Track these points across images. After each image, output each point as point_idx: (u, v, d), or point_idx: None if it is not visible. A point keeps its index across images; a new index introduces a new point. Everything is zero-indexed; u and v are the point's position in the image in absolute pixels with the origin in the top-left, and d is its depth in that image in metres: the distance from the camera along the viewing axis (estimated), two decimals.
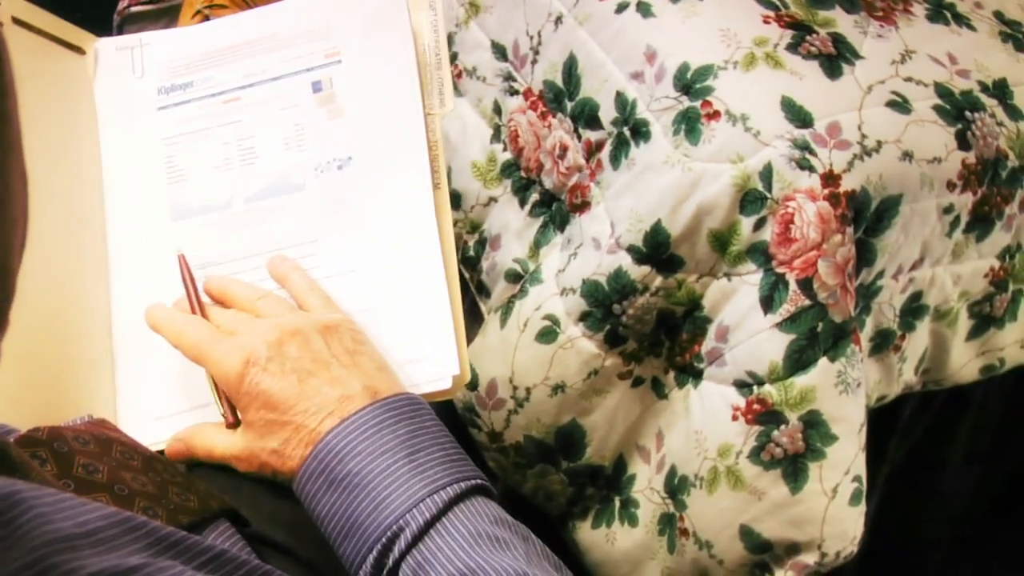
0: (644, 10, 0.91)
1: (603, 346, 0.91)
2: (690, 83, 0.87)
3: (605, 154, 0.92)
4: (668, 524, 0.93)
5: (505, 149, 1.03)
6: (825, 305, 0.83)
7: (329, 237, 0.77)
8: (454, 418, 1.00)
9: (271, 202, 0.78)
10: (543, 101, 0.98)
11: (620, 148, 0.90)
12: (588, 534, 0.99)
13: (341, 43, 0.80)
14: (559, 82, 0.96)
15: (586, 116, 0.93)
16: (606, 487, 0.98)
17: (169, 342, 0.70)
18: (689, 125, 0.86)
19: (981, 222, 0.92)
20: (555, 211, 0.98)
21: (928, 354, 0.98)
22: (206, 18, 1.07)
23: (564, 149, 0.96)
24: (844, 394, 0.85)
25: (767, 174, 0.83)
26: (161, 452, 0.67)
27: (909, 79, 0.90)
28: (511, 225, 1.02)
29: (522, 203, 1.01)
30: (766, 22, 0.90)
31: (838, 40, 0.91)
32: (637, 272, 0.88)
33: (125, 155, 0.79)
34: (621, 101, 0.90)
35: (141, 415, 0.72)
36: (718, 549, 0.89)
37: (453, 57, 1.06)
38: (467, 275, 1.07)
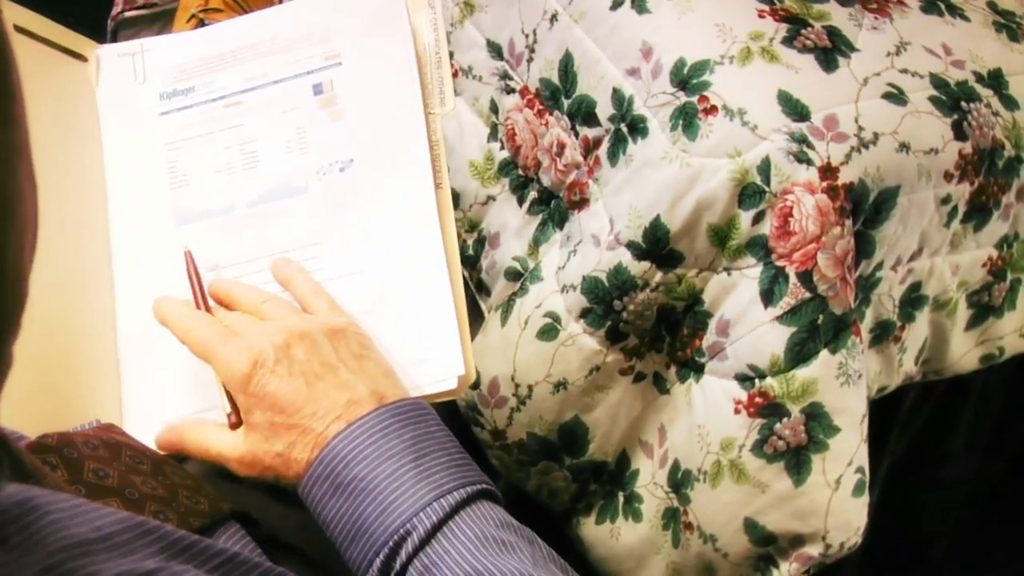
0: (639, 6, 0.92)
1: (604, 342, 0.91)
2: (687, 78, 0.87)
3: (603, 151, 0.92)
4: (672, 518, 0.93)
5: (502, 148, 1.03)
6: (825, 297, 0.84)
7: (332, 239, 0.77)
8: (457, 417, 1.00)
9: (274, 205, 0.78)
10: (540, 99, 0.98)
11: (618, 145, 0.91)
12: (592, 530, 1.00)
13: (341, 45, 0.80)
14: (555, 80, 0.96)
15: (583, 113, 0.93)
16: (609, 483, 0.99)
17: (176, 337, 0.70)
18: (687, 120, 0.86)
19: (979, 212, 0.93)
20: (554, 208, 0.98)
21: (928, 344, 0.98)
22: (201, 22, 1.08)
23: (562, 147, 0.96)
24: (845, 386, 0.85)
25: (765, 168, 0.83)
26: (169, 456, 0.67)
27: (904, 71, 0.90)
28: (510, 223, 1.02)
29: (520, 201, 1.02)
30: (761, 16, 0.91)
31: (833, 33, 0.91)
32: (637, 268, 0.88)
33: (128, 161, 0.79)
34: (618, 98, 0.91)
35: (147, 419, 0.73)
36: (723, 542, 0.89)
37: (449, 56, 1.06)
38: (466, 274, 1.07)
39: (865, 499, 0.89)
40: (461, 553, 0.59)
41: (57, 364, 0.70)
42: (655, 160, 0.87)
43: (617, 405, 0.94)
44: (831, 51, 0.89)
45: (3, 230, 0.33)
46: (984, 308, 0.99)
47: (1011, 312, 1.01)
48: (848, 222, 0.84)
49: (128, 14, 1.22)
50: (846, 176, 0.83)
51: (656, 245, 0.87)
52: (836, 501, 0.86)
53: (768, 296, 0.85)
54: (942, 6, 0.99)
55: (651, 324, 0.91)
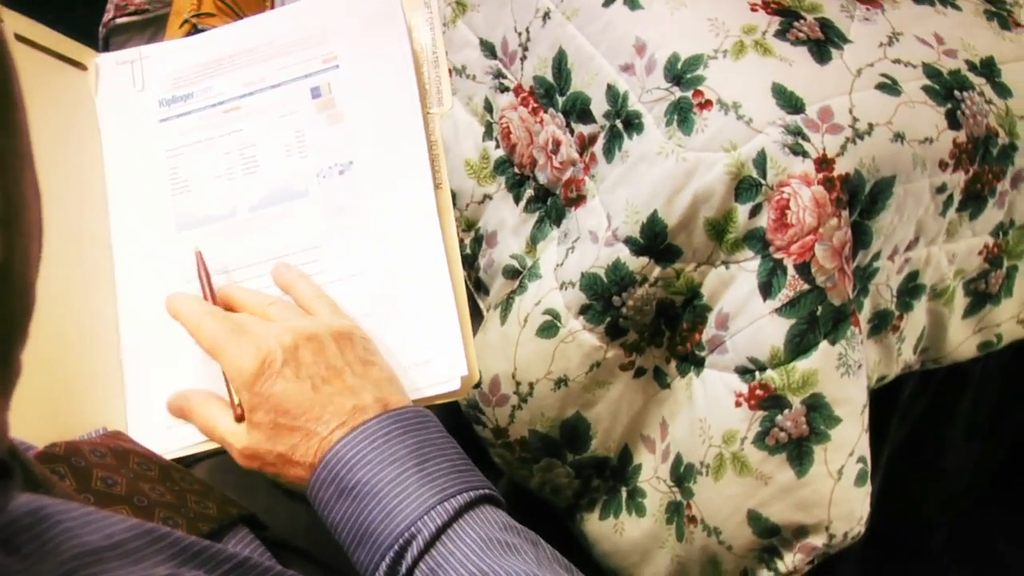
0: (632, 2, 0.92)
1: (604, 338, 0.91)
2: (681, 73, 0.88)
3: (598, 147, 0.92)
4: (676, 512, 0.93)
5: (497, 146, 1.03)
6: (824, 288, 0.84)
7: (333, 242, 0.77)
8: (458, 416, 1.00)
9: (274, 209, 0.78)
10: (534, 97, 0.98)
11: (613, 141, 0.91)
12: (596, 526, 1.00)
13: (338, 48, 0.80)
14: (549, 77, 0.96)
15: (578, 110, 0.94)
16: (612, 478, 0.99)
17: (186, 330, 0.70)
18: (681, 115, 0.86)
19: (974, 200, 0.93)
20: (550, 206, 0.98)
21: (926, 333, 0.99)
22: (194, 27, 1.08)
23: (557, 144, 0.96)
24: (846, 376, 0.86)
25: (761, 161, 0.84)
26: (176, 461, 0.67)
27: (897, 61, 0.90)
28: (507, 221, 1.03)
29: (517, 199, 1.02)
30: (753, 10, 0.91)
31: (825, 25, 0.91)
32: (635, 263, 0.88)
33: (128, 168, 0.79)
34: (612, 94, 0.91)
35: (152, 425, 0.73)
36: (727, 535, 0.90)
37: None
38: (464, 273, 1.07)
39: (867, 488, 0.89)
40: (466, 555, 0.59)
41: (61, 372, 0.71)
42: (651, 155, 0.87)
43: (618, 400, 0.95)
44: (824, 43, 0.90)
45: (9, 238, 0.33)
46: (981, 296, 1.00)
47: (1008, 299, 1.01)
48: (845, 213, 0.84)
49: (119, 20, 1.22)
50: (842, 167, 0.84)
51: (654, 240, 0.87)
52: (839, 491, 0.87)
53: (767, 289, 0.85)
54: None
55: (650, 319, 0.91)
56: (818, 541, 0.88)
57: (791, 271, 0.84)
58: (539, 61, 0.97)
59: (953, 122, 0.89)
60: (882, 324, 0.93)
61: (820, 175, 0.83)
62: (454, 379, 0.73)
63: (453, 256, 0.75)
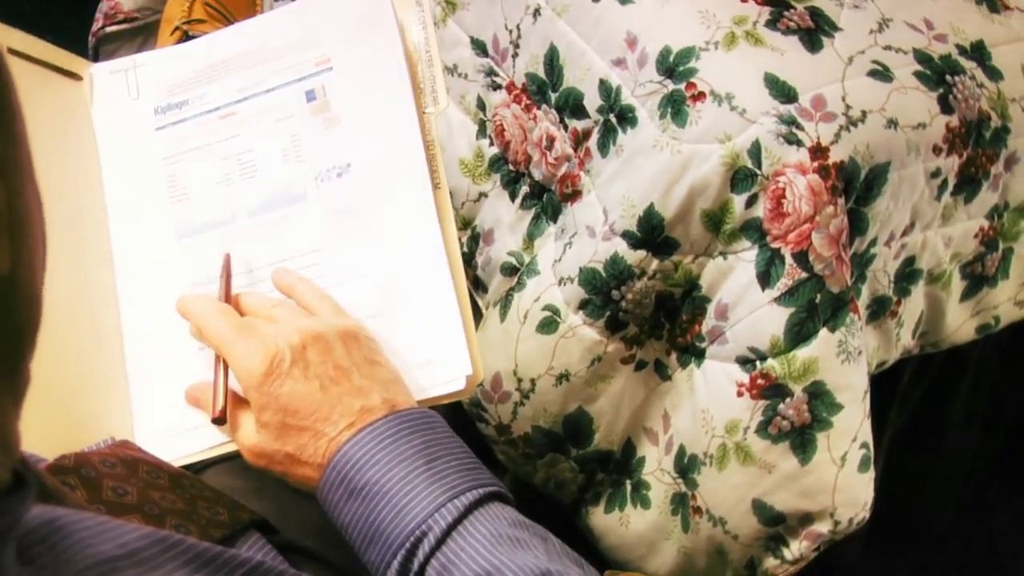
0: None
1: (604, 332, 0.92)
2: (673, 66, 0.88)
3: (593, 142, 0.93)
4: (681, 503, 0.94)
5: (491, 144, 1.03)
6: (822, 276, 0.84)
7: (333, 245, 0.77)
8: (461, 414, 1.00)
9: (274, 214, 0.78)
10: (527, 94, 0.98)
11: (607, 135, 0.91)
12: (602, 519, 1.00)
13: (330, 50, 0.80)
14: (541, 74, 0.96)
15: (571, 106, 0.94)
16: (616, 471, 0.99)
17: (195, 328, 0.70)
18: (675, 108, 0.87)
19: (968, 183, 0.93)
20: (546, 202, 0.98)
21: (924, 317, 0.99)
22: (185, 34, 1.08)
23: (551, 140, 0.96)
24: (846, 363, 0.86)
25: (756, 151, 0.84)
26: (184, 468, 0.68)
27: (888, 47, 0.91)
28: (503, 219, 1.03)
29: (512, 196, 1.02)
30: (743, 0, 0.91)
31: (815, 13, 0.91)
32: (633, 257, 0.88)
33: (126, 177, 0.79)
34: (605, 89, 0.91)
35: (159, 433, 0.73)
36: (732, 524, 0.90)
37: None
38: None
39: (871, 474, 0.89)
40: (477, 550, 0.59)
41: (67, 383, 0.71)
42: (646, 149, 0.88)
43: (620, 394, 0.95)
44: (814, 32, 0.90)
45: (16, 247, 0.34)
46: (978, 279, 1.00)
47: (1004, 281, 1.02)
48: (840, 200, 0.84)
49: (109, 29, 1.22)
50: (836, 155, 0.84)
51: (651, 233, 0.87)
52: (843, 477, 0.87)
53: (765, 278, 0.85)
54: None
55: (650, 312, 0.91)
56: (824, 528, 0.88)
57: (789, 260, 0.84)
58: (531, 58, 0.97)
59: (945, 107, 0.89)
60: (880, 310, 0.94)
61: (815, 163, 0.83)
62: (459, 379, 0.73)
63: (454, 255, 0.76)
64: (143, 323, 0.76)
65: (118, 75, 0.82)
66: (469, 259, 1.06)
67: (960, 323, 1.02)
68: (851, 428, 0.87)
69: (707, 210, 0.86)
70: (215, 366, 0.70)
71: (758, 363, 0.86)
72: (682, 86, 0.87)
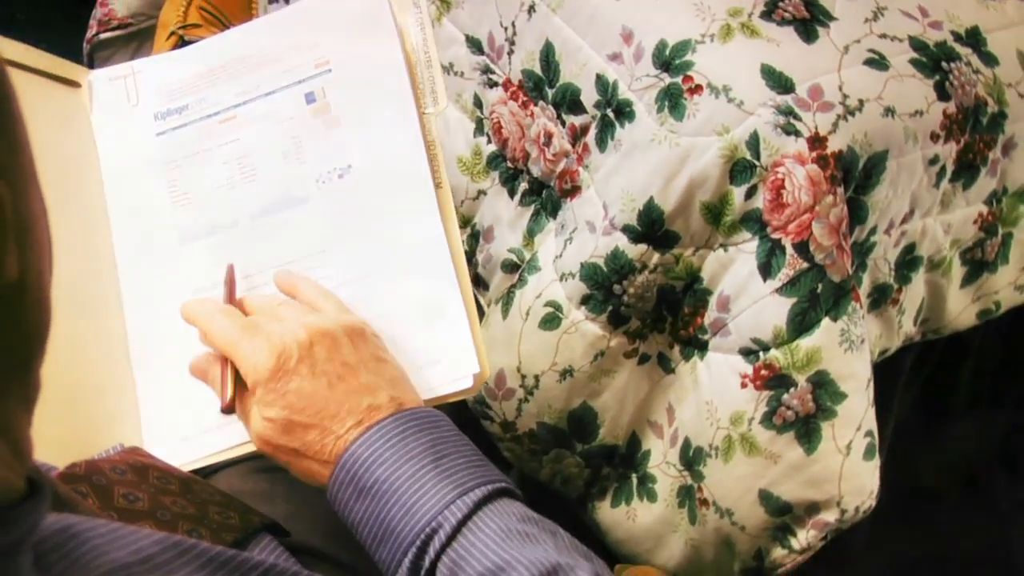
0: None
1: (607, 327, 0.92)
2: (669, 59, 0.88)
3: (591, 138, 0.93)
4: (687, 496, 0.94)
5: (489, 141, 1.03)
6: (823, 266, 0.84)
7: (337, 246, 0.77)
8: (465, 412, 1.00)
9: (276, 217, 0.78)
10: (523, 91, 0.98)
11: (605, 130, 0.91)
12: (609, 513, 1.00)
13: (329, 52, 0.80)
14: (538, 70, 0.96)
15: (568, 101, 0.94)
16: (622, 465, 0.99)
17: (200, 331, 0.70)
18: (672, 101, 0.87)
19: (967, 170, 0.94)
20: (545, 198, 0.98)
21: (925, 304, 0.99)
22: (181, 39, 1.08)
23: (549, 136, 0.96)
24: (849, 352, 0.86)
25: (754, 142, 0.84)
26: (194, 472, 0.68)
27: (884, 35, 0.91)
28: (502, 216, 1.03)
29: (511, 193, 1.02)
30: None
31: (810, 3, 0.92)
32: (634, 251, 0.88)
33: (128, 183, 0.79)
34: (602, 83, 0.91)
35: (168, 438, 0.73)
36: (739, 516, 0.90)
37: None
38: None
39: (876, 462, 0.89)
40: (487, 545, 0.60)
41: (74, 391, 0.71)
42: (644, 143, 0.88)
43: (624, 388, 0.95)
44: (810, 22, 0.90)
45: (23, 252, 0.34)
46: (978, 264, 1.00)
47: (1004, 266, 1.02)
48: (840, 190, 0.85)
49: (103, 36, 1.22)
50: (835, 144, 0.84)
51: (651, 227, 0.87)
52: (848, 466, 0.87)
53: (766, 269, 0.85)
54: None
55: (652, 305, 0.91)
56: (830, 517, 0.88)
57: (790, 250, 0.84)
58: (526, 55, 0.97)
59: (942, 93, 0.90)
60: (882, 298, 0.94)
61: (813, 153, 0.83)
62: (467, 377, 0.73)
63: (458, 254, 0.76)
64: (149, 329, 0.76)
65: (117, 82, 0.82)
66: (470, 257, 1.06)
67: (961, 309, 1.02)
68: (855, 417, 0.87)
69: (707, 202, 0.86)
70: (221, 359, 0.69)
71: (761, 354, 0.86)
72: (679, 79, 0.87)
